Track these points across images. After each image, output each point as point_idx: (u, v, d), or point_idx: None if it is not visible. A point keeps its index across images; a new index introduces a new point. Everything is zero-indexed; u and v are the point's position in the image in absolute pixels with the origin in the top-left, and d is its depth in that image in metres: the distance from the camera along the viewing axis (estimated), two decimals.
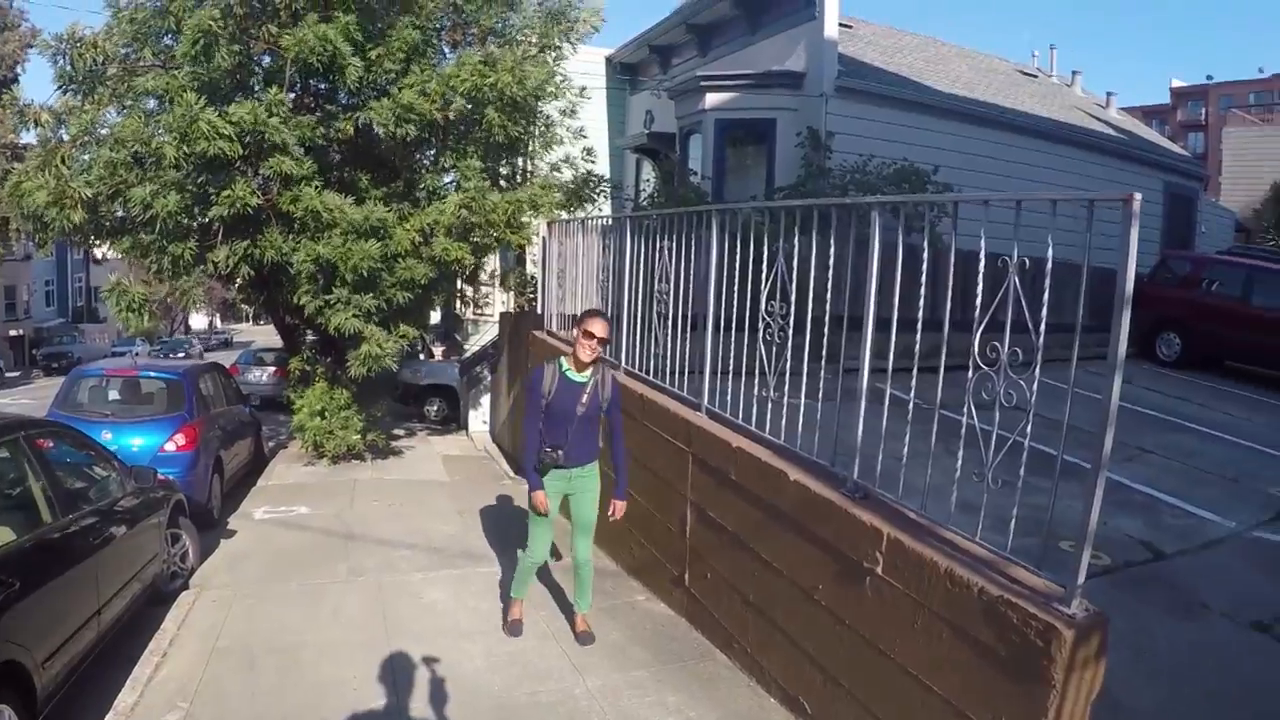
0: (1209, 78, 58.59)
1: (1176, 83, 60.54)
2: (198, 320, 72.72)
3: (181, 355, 41.79)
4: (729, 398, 5.41)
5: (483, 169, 10.32)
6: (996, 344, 3.23)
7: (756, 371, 4.97)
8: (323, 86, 10.85)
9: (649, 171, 17.94)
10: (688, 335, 6.08)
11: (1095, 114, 21.65)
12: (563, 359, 5.27)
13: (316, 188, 9.65)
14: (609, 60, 20.25)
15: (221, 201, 9.27)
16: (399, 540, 8.37)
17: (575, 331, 5.23)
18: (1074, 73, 24.25)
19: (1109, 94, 23.76)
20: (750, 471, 4.81)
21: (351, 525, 9.02)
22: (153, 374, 10.48)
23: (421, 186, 10.80)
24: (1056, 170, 16.52)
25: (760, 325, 4.90)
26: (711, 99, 14.44)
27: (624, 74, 20.43)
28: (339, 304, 9.74)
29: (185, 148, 8.95)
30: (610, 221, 8.04)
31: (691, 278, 6.04)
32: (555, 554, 6.64)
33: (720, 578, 5.25)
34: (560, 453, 5.16)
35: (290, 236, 10.06)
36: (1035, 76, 22.85)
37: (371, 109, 9.75)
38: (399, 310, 10.65)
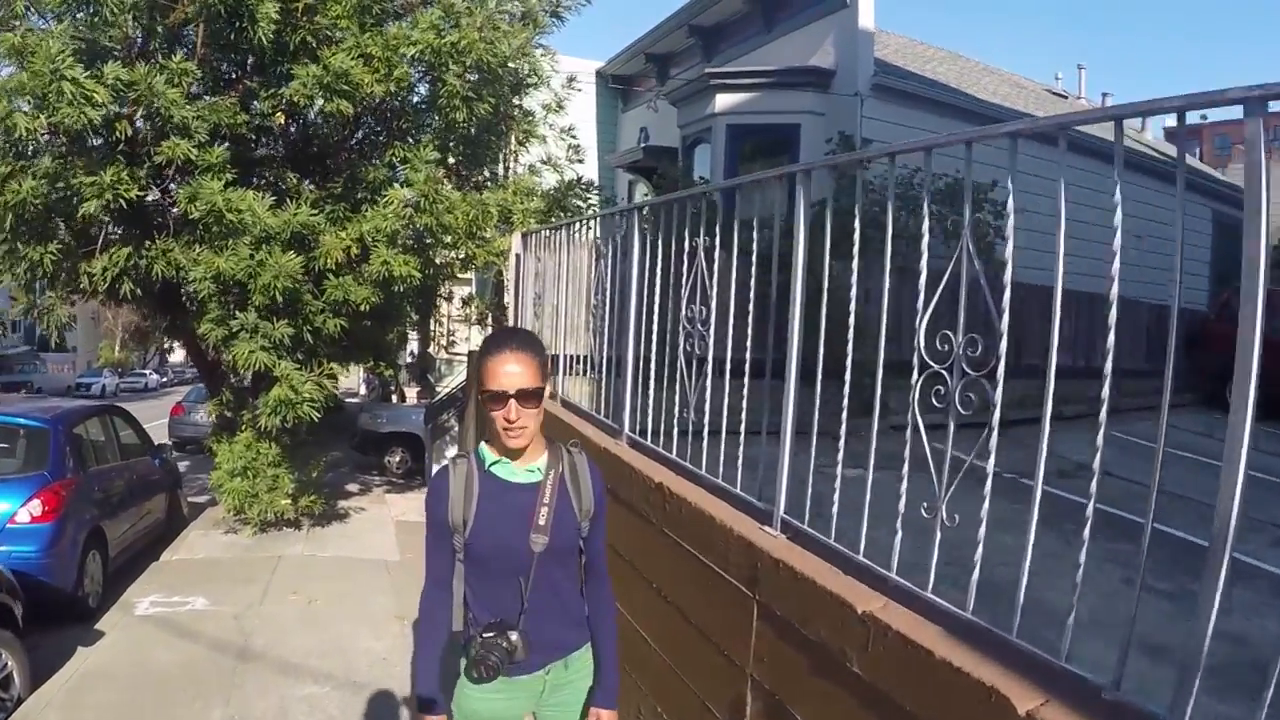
0: (1203, 117, 57.29)
1: (1169, 122, 59.27)
2: (177, 354, 69.74)
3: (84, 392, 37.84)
4: (836, 503, 3.05)
5: (440, 160, 7.98)
6: None
7: (905, 463, 2.66)
8: (250, 61, 8.56)
9: (644, 192, 15.79)
10: (740, 389, 3.75)
11: (1133, 137, 19.79)
12: (485, 447, 2.67)
13: (226, 183, 7.33)
14: (599, 74, 18.25)
15: (86, 191, 6.91)
16: (309, 665, 6.01)
17: (478, 395, 2.65)
18: (1104, 95, 22.45)
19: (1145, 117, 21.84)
20: (905, 670, 2.46)
21: (252, 635, 6.67)
22: (16, 419, 8.06)
23: (366, 185, 8.40)
24: (1108, 193, 14.56)
25: (915, 372, 2.62)
26: (723, 101, 12.27)
27: (616, 87, 18.38)
28: (243, 332, 7.35)
29: (44, 117, 6.65)
30: (610, 219, 5.71)
31: (750, 295, 3.73)
32: None
33: None
34: (515, 638, 2.53)
35: (194, 246, 7.75)
36: (1065, 97, 21.00)
37: (295, 75, 7.39)
38: (336, 345, 8.32)
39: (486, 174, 9.89)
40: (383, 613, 7.15)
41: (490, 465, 2.61)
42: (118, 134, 7.03)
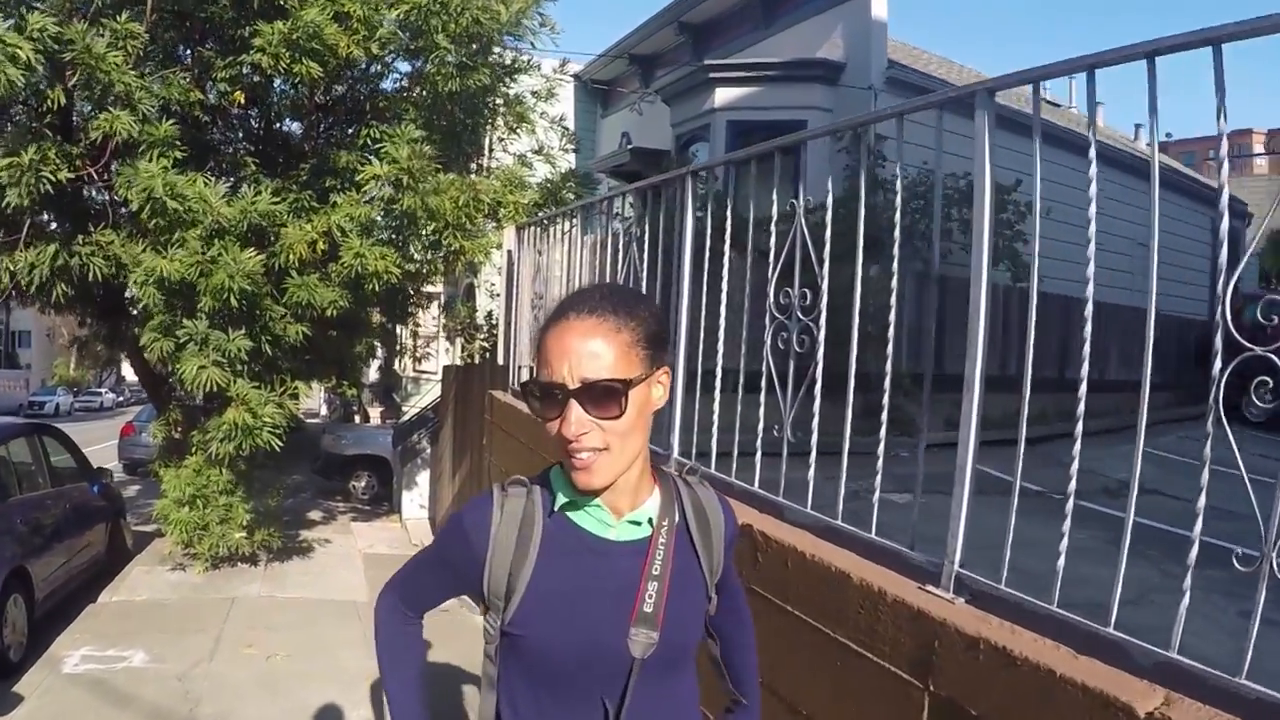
0: (1168, 135, 58.33)
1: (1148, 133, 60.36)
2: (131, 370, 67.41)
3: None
4: (1063, 551, 2.06)
5: (425, 137, 6.92)
6: None
7: (1203, 492, 1.73)
8: (207, 33, 7.51)
9: (629, 199, 14.85)
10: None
11: (1130, 147, 19.35)
12: (560, 474, 1.48)
13: (174, 161, 6.28)
14: (577, 78, 17.26)
15: (3, 175, 5.83)
16: None
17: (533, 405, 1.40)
18: (1097, 103, 21.90)
19: (1138, 126, 21.39)
20: None
21: (200, 702, 5.56)
22: None
23: (335, 172, 7.33)
24: (1121, 202, 14.06)
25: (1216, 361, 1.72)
26: (723, 95, 11.39)
27: (596, 89, 17.52)
28: (190, 344, 6.25)
29: None
30: (647, 194, 4.73)
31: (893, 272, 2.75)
32: None
33: None
34: None
35: (138, 240, 6.70)
36: (1059, 106, 20.41)
37: (257, 32, 6.32)
38: (298, 357, 7.25)
39: (470, 164, 8.89)
40: (356, 670, 6.02)
41: (563, 506, 1.49)
42: (49, 103, 5.98)
